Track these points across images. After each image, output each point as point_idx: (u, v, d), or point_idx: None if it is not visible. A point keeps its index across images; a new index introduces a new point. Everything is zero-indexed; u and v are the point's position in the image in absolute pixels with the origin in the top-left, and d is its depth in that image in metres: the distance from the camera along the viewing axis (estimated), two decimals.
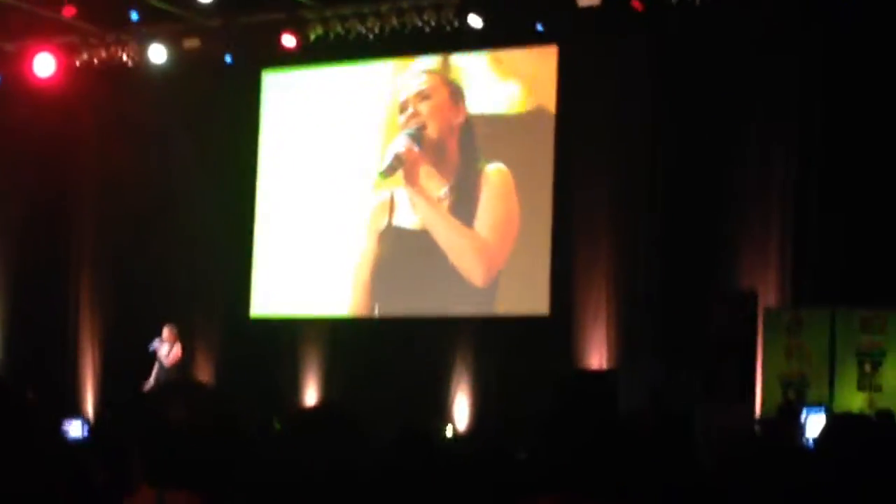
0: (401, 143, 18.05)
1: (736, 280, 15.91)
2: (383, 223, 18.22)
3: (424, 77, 18.33)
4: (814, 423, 12.99)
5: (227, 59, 18.72)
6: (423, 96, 18.24)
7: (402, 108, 18.28)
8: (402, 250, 18.08)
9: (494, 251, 17.57)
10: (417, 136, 18.04)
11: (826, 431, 3.12)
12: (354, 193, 18.50)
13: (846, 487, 2.98)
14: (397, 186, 18.11)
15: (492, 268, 17.56)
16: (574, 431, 3.70)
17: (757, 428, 13.07)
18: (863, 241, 15.22)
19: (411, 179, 18.04)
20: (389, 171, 18.06)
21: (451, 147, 17.97)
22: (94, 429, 15.78)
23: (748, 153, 16.11)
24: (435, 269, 17.78)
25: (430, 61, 18.34)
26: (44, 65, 19.18)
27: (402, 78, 18.43)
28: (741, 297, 15.33)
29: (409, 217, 18.10)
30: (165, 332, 17.76)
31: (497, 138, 17.77)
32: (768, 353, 14.85)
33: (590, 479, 3.66)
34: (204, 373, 18.58)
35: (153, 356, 17.65)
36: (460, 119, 18.01)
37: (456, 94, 18.08)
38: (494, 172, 17.67)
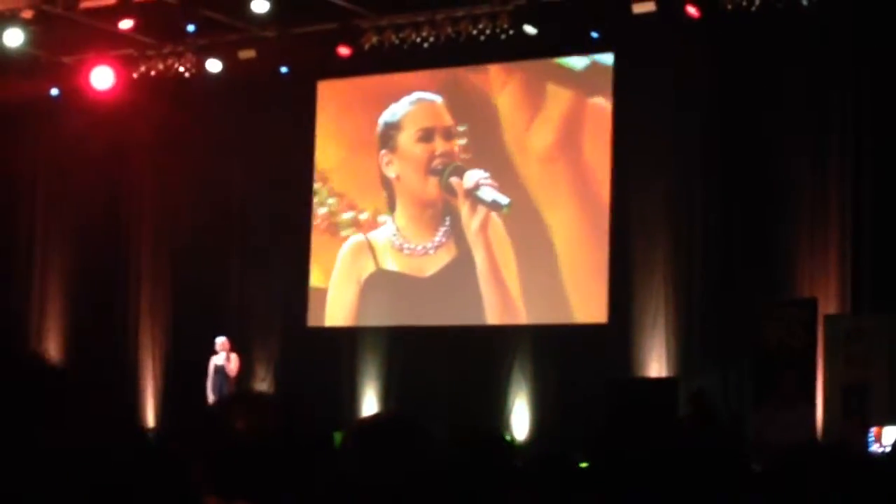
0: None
1: (795, 287, 15.80)
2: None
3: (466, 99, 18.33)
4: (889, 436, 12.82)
5: (283, 69, 18.79)
6: (460, 128, 18.24)
7: (448, 135, 18.28)
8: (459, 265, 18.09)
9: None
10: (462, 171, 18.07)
11: None
12: (411, 200, 18.53)
13: None
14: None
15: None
16: (629, 441, 3.67)
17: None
18: None
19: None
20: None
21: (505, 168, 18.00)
22: (156, 441, 15.82)
23: (806, 159, 16.00)
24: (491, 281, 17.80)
25: (473, 78, 18.35)
26: (101, 77, 19.32)
27: (444, 95, 18.46)
28: (800, 303, 15.22)
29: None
30: (220, 343, 17.78)
31: (554, 148, 17.73)
32: (829, 360, 14.69)
33: (643, 488, 3.62)
34: (262, 383, 18.62)
35: (214, 369, 17.68)
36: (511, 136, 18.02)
37: (506, 110, 18.06)
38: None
